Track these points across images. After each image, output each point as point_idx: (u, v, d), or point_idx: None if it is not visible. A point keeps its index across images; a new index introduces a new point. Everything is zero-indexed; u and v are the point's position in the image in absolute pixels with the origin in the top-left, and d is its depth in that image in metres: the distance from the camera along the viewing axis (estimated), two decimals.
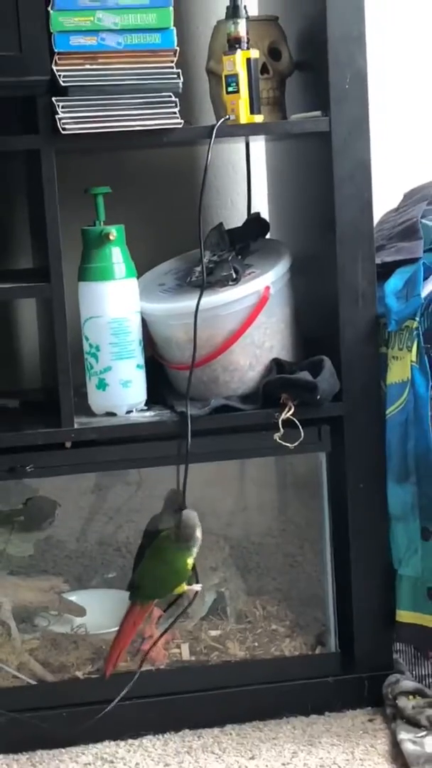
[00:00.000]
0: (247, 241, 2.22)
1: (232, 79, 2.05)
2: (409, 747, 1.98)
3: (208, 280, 2.10)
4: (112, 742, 2.07)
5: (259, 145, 2.45)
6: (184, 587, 2.00)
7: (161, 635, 2.08)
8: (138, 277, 2.14)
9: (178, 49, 2.02)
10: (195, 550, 1.99)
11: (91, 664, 2.13)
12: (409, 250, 2.16)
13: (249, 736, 2.08)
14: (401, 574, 2.11)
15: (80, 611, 2.20)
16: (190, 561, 1.99)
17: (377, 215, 2.16)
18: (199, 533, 1.98)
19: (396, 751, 2.00)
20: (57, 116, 1.97)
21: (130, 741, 2.08)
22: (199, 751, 2.04)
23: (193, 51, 2.39)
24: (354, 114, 2.05)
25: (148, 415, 2.11)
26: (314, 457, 2.14)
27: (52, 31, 1.97)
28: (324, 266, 2.12)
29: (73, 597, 2.23)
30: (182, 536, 1.98)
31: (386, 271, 2.14)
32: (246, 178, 2.42)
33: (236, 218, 2.46)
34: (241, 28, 2.07)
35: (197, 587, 2.04)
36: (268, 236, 2.31)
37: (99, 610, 2.22)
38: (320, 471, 2.14)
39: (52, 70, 1.98)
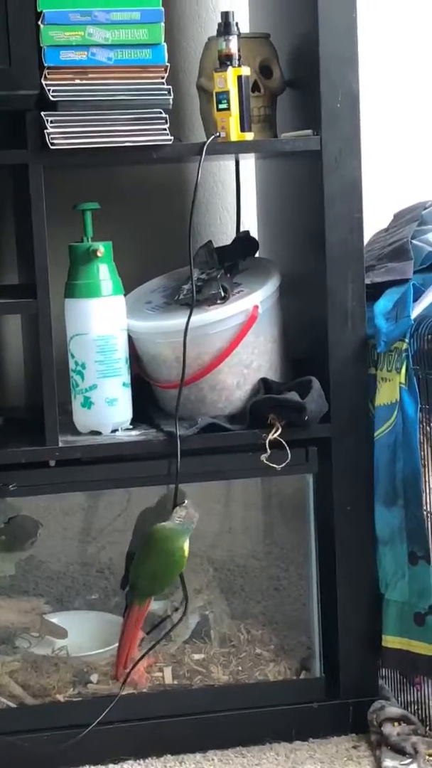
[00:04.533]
0: (235, 260, 2.21)
1: (223, 96, 2.05)
2: None
3: (196, 298, 2.08)
4: (93, 767, 2.04)
5: (249, 162, 2.44)
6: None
7: (142, 657, 2.06)
8: (125, 295, 2.13)
9: (168, 65, 2.01)
10: (189, 531, 1.98)
11: (72, 686, 2.11)
12: (399, 271, 2.15)
13: (232, 762, 2.05)
14: (388, 598, 2.09)
15: (62, 633, 2.18)
16: (186, 545, 1.97)
17: (367, 235, 2.15)
18: (195, 516, 1.98)
19: None
20: (46, 131, 1.95)
21: (110, 766, 2.06)
22: None
23: (184, 67, 2.39)
24: (345, 133, 2.04)
25: (134, 434, 2.09)
26: (301, 479, 2.13)
27: (42, 45, 1.96)
28: (313, 286, 2.11)
29: (55, 618, 2.21)
30: (186, 517, 1.98)
31: (376, 291, 2.14)
32: (235, 196, 2.41)
33: (225, 236, 2.46)
34: (233, 45, 2.06)
35: None
36: (257, 255, 2.30)
37: (81, 631, 2.20)
38: (307, 493, 2.13)
39: (41, 84, 1.97)
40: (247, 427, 2.08)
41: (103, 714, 2.02)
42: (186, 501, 2.00)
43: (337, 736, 2.12)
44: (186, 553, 1.99)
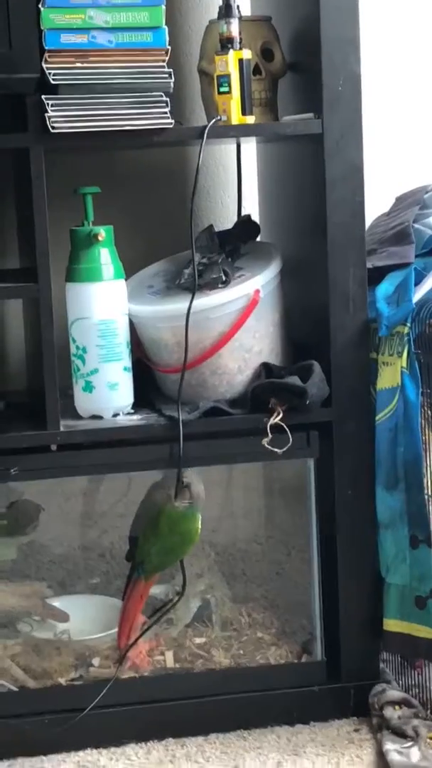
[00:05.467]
0: (237, 244, 2.20)
1: (224, 79, 2.04)
2: (394, 757, 1.96)
3: (198, 282, 2.08)
4: (95, 750, 2.05)
5: (250, 146, 2.43)
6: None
7: (137, 637, 2.07)
8: (126, 279, 2.12)
9: (169, 48, 2.00)
10: (200, 508, 1.99)
11: (74, 670, 2.11)
12: (400, 255, 2.15)
13: (233, 745, 2.06)
14: (389, 582, 2.09)
15: (63, 617, 2.18)
16: (199, 524, 1.98)
17: (369, 219, 2.14)
18: (203, 493, 1.99)
19: (381, 762, 1.98)
20: (46, 115, 1.95)
21: (112, 749, 2.06)
22: (182, 760, 2.02)
23: (185, 50, 2.38)
24: (347, 116, 2.03)
25: (135, 419, 2.09)
26: (302, 463, 2.12)
27: (42, 28, 1.95)
28: (314, 270, 2.10)
29: (57, 602, 2.21)
30: (193, 496, 1.99)
31: (377, 275, 2.13)
32: (237, 180, 2.40)
33: (226, 220, 2.45)
34: (234, 28, 2.05)
35: None
36: (258, 239, 2.29)
37: (82, 615, 2.20)
38: (308, 477, 2.12)
39: (42, 67, 1.96)
40: (249, 411, 2.08)
41: (101, 696, 2.02)
42: (191, 480, 2.00)
43: (339, 720, 2.12)
44: (199, 530, 1.99)
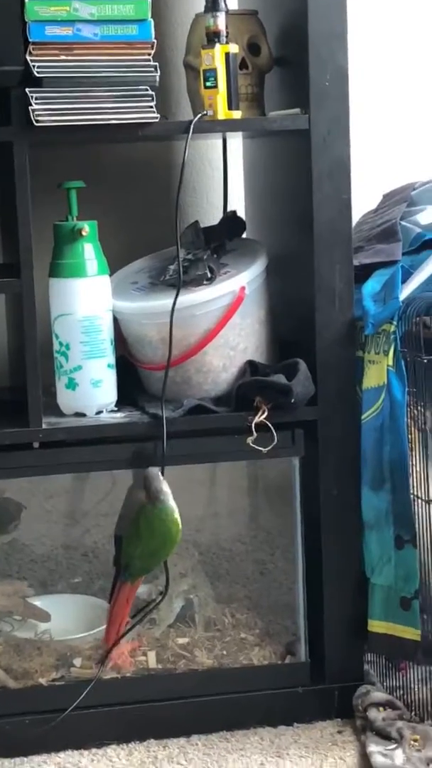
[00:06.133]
0: (222, 240, 2.19)
1: (211, 73, 2.02)
2: (378, 760, 1.95)
3: (183, 279, 2.06)
4: (75, 751, 2.04)
5: (236, 141, 2.42)
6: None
7: (119, 637, 2.05)
8: (110, 275, 2.10)
9: (155, 41, 1.99)
10: (172, 503, 1.96)
11: (55, 670, 2.10)
12: (387, 252, 2.13)
13: (216, 747, 2.04)
14: (374, 582, 2.08)
15: (45, 616, 2.16)
16: (177, 516, 1.97)
17: (356, 216, 2.13)
18: (166, 487, 1.96)
19: (365, 764, 1.97)
20: (30, 108, 1.93)
21: (93, 750, 2.04)
22: (164, 762, 2.00)
23: (171, 44, 2.36)
24: (334, 112, 2.02)
25: (119, 416, 2.07)
26: (287, 462, 2.11)
27: (27, 20, 1.94)
28: (301, 267, 2.09)
29: (38, 602, 2.20)
30: (152, 494, 1.96)
31: (364, 273, 2.12)
32: (223, 176, 2.38)
33: (212, 216, 2.43)
34: (220, 22, 2.04)
35: None
36: (244, 235, 2.28)
37: (64, 615, 2.19)
38: (293, 476, 2.11)
39: (26, 60, 1.94)
40: (233, 409, 2.06)
41: (82, 697, 2.01)
42: (150, 476, 1.98)
43: (322, 721, 2.11)
44: (180, 530, 1.97)
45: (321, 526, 2.09)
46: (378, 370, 2.05)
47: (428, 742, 1.99)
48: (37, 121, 1.92)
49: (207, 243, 2.17)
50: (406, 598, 2.04)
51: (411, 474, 2.02)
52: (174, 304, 2.02)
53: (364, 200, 2.28)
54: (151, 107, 1.97)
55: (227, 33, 2.04)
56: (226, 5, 2.05)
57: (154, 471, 1.98)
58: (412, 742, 1.99)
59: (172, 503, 1.97)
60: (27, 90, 1.93)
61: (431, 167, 2.45)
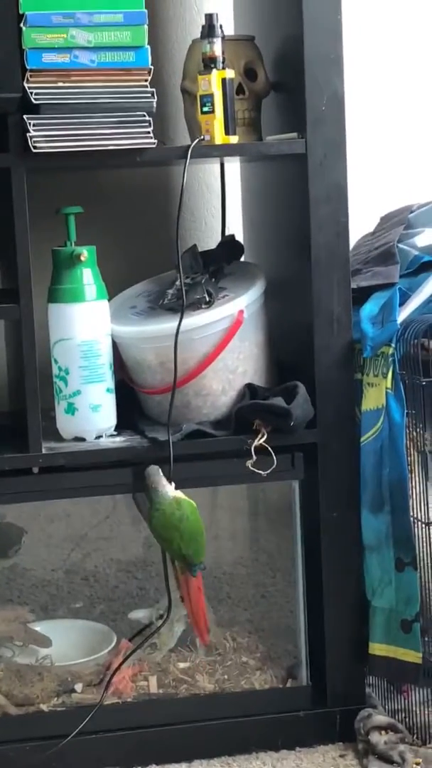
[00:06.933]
0: (220, 264, 2.19)
1: (207, 99, 2.03)
2: None
3: (182, 302, 2.06)
4: None
5: (234, 166, 2.43)
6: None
7: (122, 662, 2.05)
8: (109, 299, 2.11)
9: (152, 67, 1.99)
10: (169, 491, 1.98)
11: (56, 696, 2.09)
12: (385, 275, 2.14)
13: None
14: (375, 605, 2.08)
15: (46, 642, 2.16)
16: (181, 496, 1.98)
17: (353, 239, 2.14)
18: (162, 479, 1.99)
19: None
20: (28, 134, 1.94)
21: None
22: None
23: (168, 70, 2.37)
24: (330, 136, 2.02)
25: (118, 441, 2.07)
26: (287, 485, 2.11)
27: (24, 47, 1.94)
28: (299, 290, 2.09)
29: (39, 627, 2.19)
30: (151, 491, 1.98)
31: (362, 295, 2.12)
32: (220, 200, 2.39)
33: (210, 240, 2.44)
34: (217, 48, 2.04)
35: None
36: (242, 259, 2.28)
37: (65, 640, 2.18)
38: (293, 499, 2.11)
39: (23, 87, 1.95)
40: (233, 433, 2.06)
41: (85, 722, 2.00)
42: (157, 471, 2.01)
43: (324, 745, 2.10)
44: (191, 502, 2.00)
45: (321, 548, 2.09)
46: (377, 393, 2.05)
47: (430, 766, 1.98)
48: (35, 147, 1.93)
49: (205, 267, 2.17)
50: (406, 620, 2.03)
51: (411, 496, 2.02)
52: (179, 327, 2.02)
53: (361, 223, 2.29)
54: (149, 133, 1.98)
55: (224, 59, 2.05)
56: (222, 31, 2.06)
57: (153, 468, 1.99)
58: (414, 766, 1.98)
59: (169, 491, 1.98)
60: (25, 117, 1.94)
61: (428, 190, 2.46)
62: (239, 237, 2.38)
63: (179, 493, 2.00)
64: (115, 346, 2.12)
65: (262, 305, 2.14)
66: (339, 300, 2.05)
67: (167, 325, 2.06)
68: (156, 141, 1.99)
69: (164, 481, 1.99)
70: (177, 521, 1.99)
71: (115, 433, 2.10)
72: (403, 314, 2.05)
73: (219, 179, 2.40)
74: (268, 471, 2.03)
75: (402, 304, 2.07)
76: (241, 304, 2.09)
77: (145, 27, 1.98)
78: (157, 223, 2.40)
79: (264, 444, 2.03)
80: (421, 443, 2.04)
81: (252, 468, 2.02)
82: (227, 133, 2.04)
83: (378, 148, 2.50)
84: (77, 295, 2.06)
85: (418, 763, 1.99)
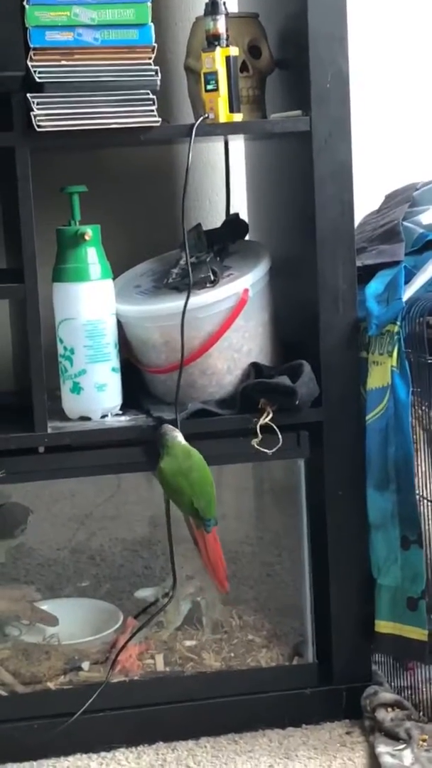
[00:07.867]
0: (225, 243, 2.19)
1: (211, 76, 2.02)
2: (387, 760, 1.95)
3: (186, 281, 2.06)
4: (84, 755, 2.04)
5: (238, 144, 2.42)
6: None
7: (128, 640, 2.06)
8: (114, 279, 2.10)
9: (156, 45, 1.98)
10: (180, 439, 1.99)
11: (63, 674, 2.10)
12: (390, 253, 2.13)
13: (224, 749, 2.04)
14: (380, 583, 2.08)
15: (52, 620, 2.16)
16: (183, 442, 1.98)
17: (358, 217, 2.13)
18: (176, 432, 2.00)
19: (374, 765, 1.97)
20: (32, 113, 1.93)
21: (102, 753, 2.04)
22: (173, 765, 2.00)
23: (172, 48, 2.36)
24: (335, 114, 2.02)
25: (124, 420, 2.07)
26: (292, 464, 2.11)
27: (27, 26, 1.94)
28: (304, 268, 2.08)
29: (45, 606, 2.20)
30: (162, 441, 1.98)
31: (367, 274, 2.12)
32: (225, 178, 2.38)
33: (215, 219, 2.43)
34: (221, 25, 2.03)
35: None
36: (247, 237, 2.28)
37: (72, 619, 2.18)
38: (299, 478, 2.11)
39: (27, 65, 1.94)
40: (238, 411, 2.06)
41: (91, 700, 2.01)
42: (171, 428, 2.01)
43: (331, 722, 2.10)
44: (197, 452, 1.99)
45: (327, 527, 2.09)
46: (382, 371, 2.04)
47: None
48: (38, 126, 1.93)
49: (210, 246, 2.16)
50: (412, 598, 2.03)
51: (416, 474, 2.02)
52: (185, 306, 2.02)
53: (366, 201, 2.28)
54: (153, 111, 1.97)
55: (228, 36, 2.04)
56: (226, 8, 2.05)
57: (169, 426, 1.99)
58: (420, 743, 1.99)
59: (181, 440, 1.98)
60: (28, 95, 1.93)
61: None
62: (243, 216, 2.37)
63: (190, 446, 1.99)
64: (120, 326, 2.12)
65: (266, 284, 2.13)
66: (344, 278, 2.05)
67: (172, 304, 2.05)
68: (160, 119, 1.98)
69: (176, 432, 1.99)
70: (187, 469, 1.98)
71: (120, 412, 2.10)
72: (408, 292, 2.05)
73: (223, 158, 2.39)
74: (274, 450, 2.03)
75: (407, 282, 2.06)
76: (245, 283, 2.09)
77: (149, 4, 1.97)
78: (162, 202, 2.39)
79: (269, 423, 2.03)
80: (426, 421, 2.04)
81: (257, 447, 2.02)
82: (231, 111, 2.03)
83: (383, 126, 2.49)
84: (82, 275, 2.05)
85: (424, 740, 1.99)
